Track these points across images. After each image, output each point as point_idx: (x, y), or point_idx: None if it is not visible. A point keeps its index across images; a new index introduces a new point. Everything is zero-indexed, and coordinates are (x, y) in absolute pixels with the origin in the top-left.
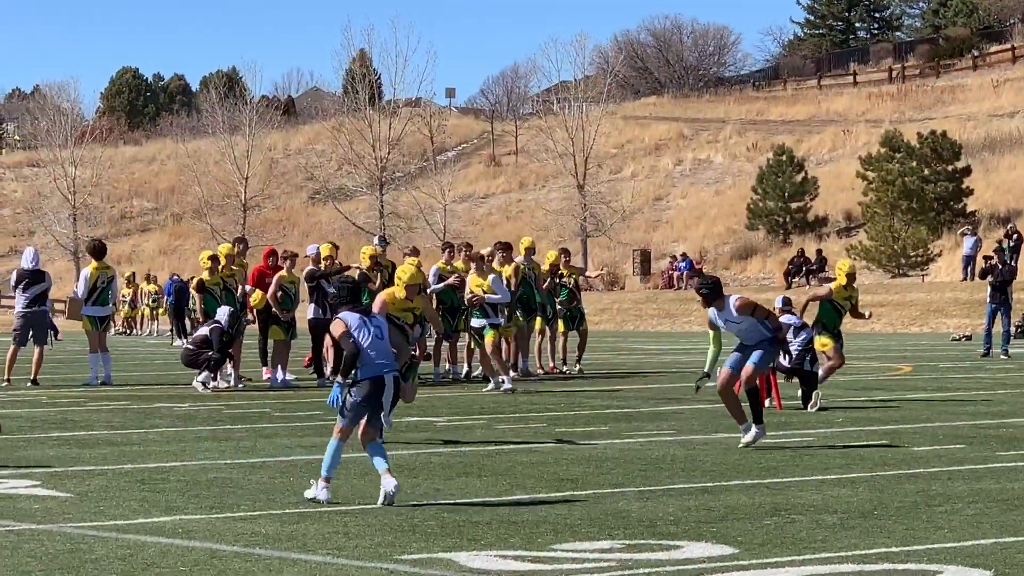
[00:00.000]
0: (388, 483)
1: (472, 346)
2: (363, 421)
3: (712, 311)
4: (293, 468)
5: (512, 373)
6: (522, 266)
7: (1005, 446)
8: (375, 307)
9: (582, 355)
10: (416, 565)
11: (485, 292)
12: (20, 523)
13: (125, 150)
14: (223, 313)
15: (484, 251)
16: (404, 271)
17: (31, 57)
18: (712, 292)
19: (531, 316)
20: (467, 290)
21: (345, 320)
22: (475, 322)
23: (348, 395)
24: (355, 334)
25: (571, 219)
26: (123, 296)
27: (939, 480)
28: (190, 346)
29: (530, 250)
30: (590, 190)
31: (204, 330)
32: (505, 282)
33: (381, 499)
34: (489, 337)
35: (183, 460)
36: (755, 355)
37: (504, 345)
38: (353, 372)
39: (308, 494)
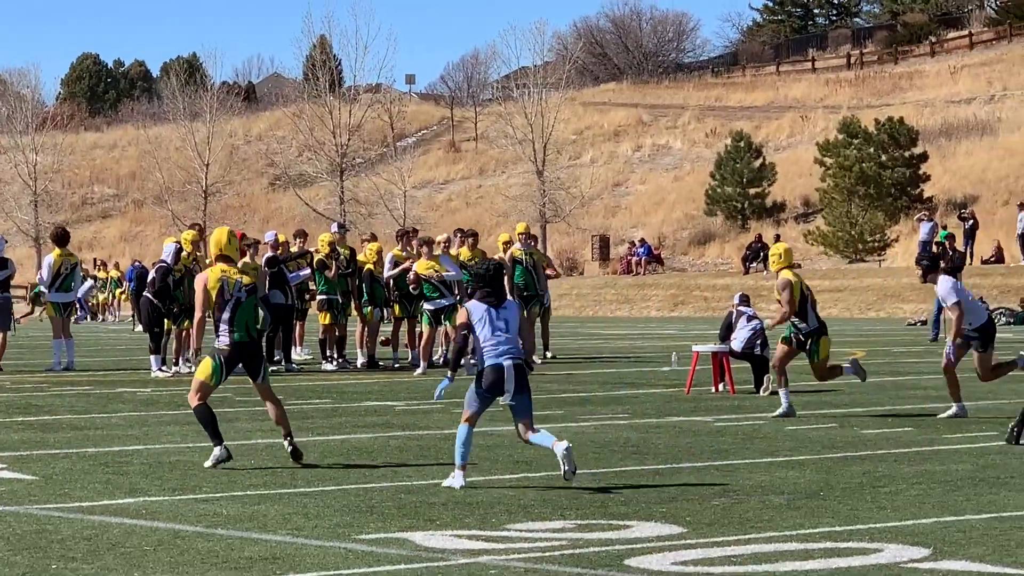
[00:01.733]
0: (559, 447)
1: (427, 328)
2: (519, 422)
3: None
4: (254, 451)
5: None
6: (519, 252)
7: (952, 429)
8: None
9: (548, 341)
10: (373, 544)
11: (439, 271)
12: None
13: (86, 136)
14: (168, 251)
15: (439, 238)
16: None
17: None
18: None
19: (531, 303)
20: (411, 275)
21: (470, 310)
22: (429, 305)
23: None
24: (475, 325)
25: (530, 205)
26: (99, 282)
27: (885, 462)
28: (149, 294)
29: (524, 235)
30: (549, 176)
31: (152, 272)
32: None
33: (563, 469)
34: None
35: (146, 444)
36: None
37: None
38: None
39: (446, 483)
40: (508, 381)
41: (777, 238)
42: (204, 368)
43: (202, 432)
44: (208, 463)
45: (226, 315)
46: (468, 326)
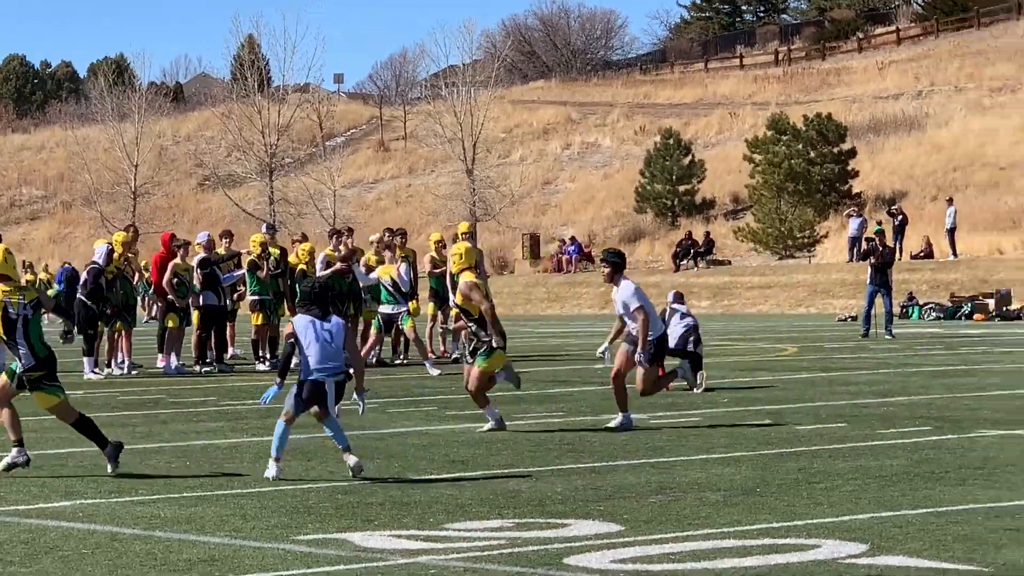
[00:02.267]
0: (349, 459)
1: (375, 331)
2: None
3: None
4: (189, 453)
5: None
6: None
7: (885, 424)
8: None
9: None
10: (311, 545)
11: (393, 278)
12: None
13: (13, 138)
14: (100, 252)
15: (372, 237)
16: None
17: None
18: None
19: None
20: (375, 274)
21: (294, 323)
22: (385, 308)
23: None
24: (300, 338)
25: (460, 204)
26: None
27: (820, 458)
28: (82, 296)
29: (468, 234)
30: (479, 175)
31: (84, 274)
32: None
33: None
34: (408, 324)
35: (80, 446)
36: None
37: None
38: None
39: (265, 474)
40: (330, 398)
41: (707, 235)
42: (46, 398)
43: (136, 434)
44: (109, 470)
45: (21, 337)
46: (294, 336)
